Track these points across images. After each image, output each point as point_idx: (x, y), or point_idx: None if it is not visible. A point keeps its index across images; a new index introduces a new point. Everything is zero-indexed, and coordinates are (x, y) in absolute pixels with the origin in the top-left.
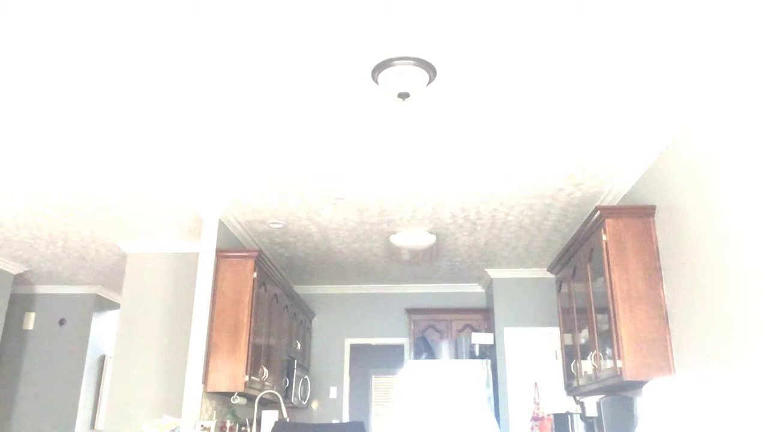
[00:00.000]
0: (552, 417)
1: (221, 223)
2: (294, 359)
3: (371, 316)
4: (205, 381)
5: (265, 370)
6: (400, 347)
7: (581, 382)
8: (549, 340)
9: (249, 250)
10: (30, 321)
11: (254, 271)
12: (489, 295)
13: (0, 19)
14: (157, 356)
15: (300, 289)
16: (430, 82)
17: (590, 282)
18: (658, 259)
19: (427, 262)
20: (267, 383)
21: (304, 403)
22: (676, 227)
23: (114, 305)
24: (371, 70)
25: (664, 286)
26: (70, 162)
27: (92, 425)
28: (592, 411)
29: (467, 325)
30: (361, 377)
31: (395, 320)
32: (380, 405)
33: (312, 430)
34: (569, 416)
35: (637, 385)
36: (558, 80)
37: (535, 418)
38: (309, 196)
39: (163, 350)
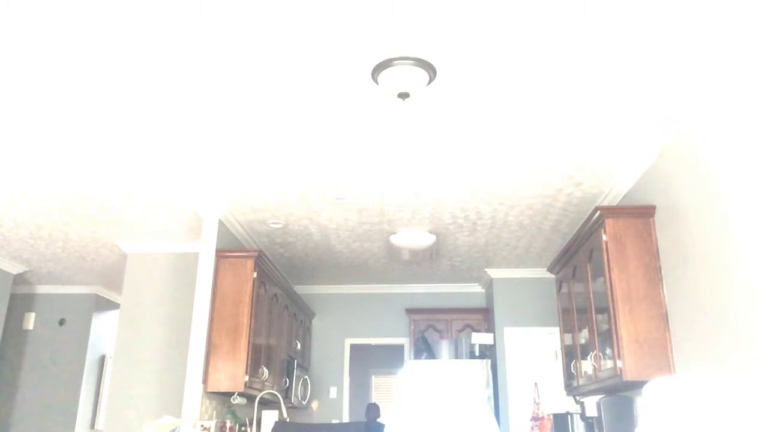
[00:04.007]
0: (552, 417)
1: (221, 223)
2: (294, 359)
3: (371, 316)
4: (205, 381)
5: (265, 370)
6: (400, 347)
7: (581, 382)
8: (549, 340)
9: (249, 250)
10: (30, 321)
11: (254, 271)
12: (489, 295)
13: (0, 19)
14: (157, 356)
15: (300, 289)
16: (430, 82)
17: (590, 282)
18: (658, 259)
19: (427, 262)
20: (267, 383)
21: (304, 403)
22: (676, 227)
23: (114, 305)
24: (371, 70)
25: (664, 286)
26: (70, 162)
27: (92, 425)
28: (592, 411)
29: (467, 325)
30: (361, 377)
31: (395, 320)
32: (380, 405)
33: (312, 430)
34: (569, 416)
35: (637, 385)
36: (558, 80)
37: (535, 418)
38: (309, 196)
39: (163, 350)
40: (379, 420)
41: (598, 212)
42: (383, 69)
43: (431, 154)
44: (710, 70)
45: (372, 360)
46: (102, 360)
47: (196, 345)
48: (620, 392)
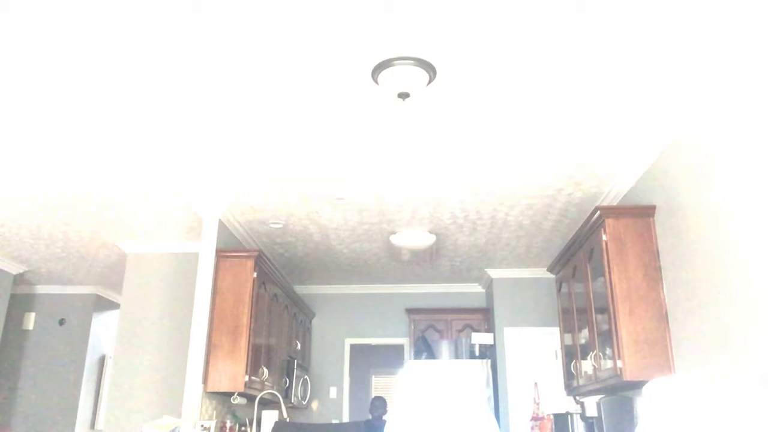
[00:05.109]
0: (552, 417)
1: (221, 223)
2: (294, 359)
3: (371, 316)
4: (205, 381)
5: (265, 370)
6: (400, 347)
7: (581, 382)
8: (549, 340)
9: (249, 250)
10: (30, 321)
11: (254, 271)
12: (489, 295)
13: (0, 19)
14: (157, 356)
15: (300, 289)
16: (430, 82)
17: (590, 282)
18: (658, 259)
19: (427, 262)
20: (267, 383)
21: (304, 403)
22: (676, 227)
23: (114, 305)
24: (371, 70)
25: (664, 286)
26: (70, 162)
27: (92, 425)
28: (592, 411)
29: (467, 325)
30: (361, 377)
31: (395, 320)
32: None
33: (312, 430)
34: (569, 416)
35: (637, 385)
36: (558, 80)
37: (535, 418)
38: (309, 196)
39: (163, 350)
40: (385, 417)
41: (598, 212)
42: (383, 69)
43: (431, 154)
44: (710, 72)
45: (372, 360)
46: (102, 360)
47: (196, 345)
48: (620, 392)
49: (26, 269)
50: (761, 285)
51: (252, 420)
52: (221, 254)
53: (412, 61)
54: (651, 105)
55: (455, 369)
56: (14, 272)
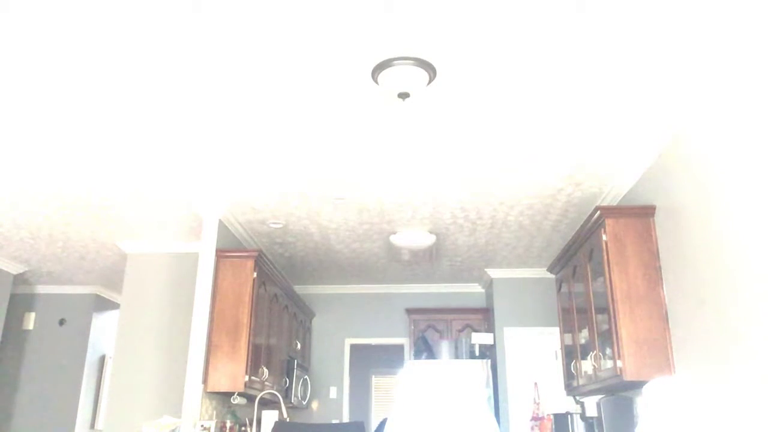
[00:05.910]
0: (552, 417)
1: (221, 223)
2: (294, 359)
3: (371, 316)
4: (205, 381)
5: (265, 370)
6: (400, 347)
7: (581, 382)
8: (549, 340)
9: (249, 250)
10: (30, 321)
11: (254, 271)
12: (489, 295)
13: (0, 19)
14: (157, 356)
15: (300, 289)
16: (430, 82)
17: (590, 282)
18: (658, 259)
19: (427, 262)
20: (267, 383)
21: (304, 403)
22: (676, 227)
23: (114, 305)
24: (371, 70)
25: (664, 286)
26: (70, 162)
27: (92, 425)
28: (592, 411)
29: (467, 325)
30: (361, 377)
31: (395, 320)
32: (380, 405)
33: (312, 430)
34: (569, 416)
35: (637, 385)
36: (558, 80)
37: (535, 418)
38: (309, 196)
39: (163, 350)
40: None
41: (598, 212)
42: (383, 69)
43: (431, 154)
44: (710, 72)
45: (372, 360)
46: (102, 360)
47: (196, 345)
48: (620, 392)
49: (26, 269)
50: (761, 285)
51: (252, 420)
52: (221, 254)
53: (412, 61)
54: (651, 105)
55: (455, 369)
56: (14, 272)
